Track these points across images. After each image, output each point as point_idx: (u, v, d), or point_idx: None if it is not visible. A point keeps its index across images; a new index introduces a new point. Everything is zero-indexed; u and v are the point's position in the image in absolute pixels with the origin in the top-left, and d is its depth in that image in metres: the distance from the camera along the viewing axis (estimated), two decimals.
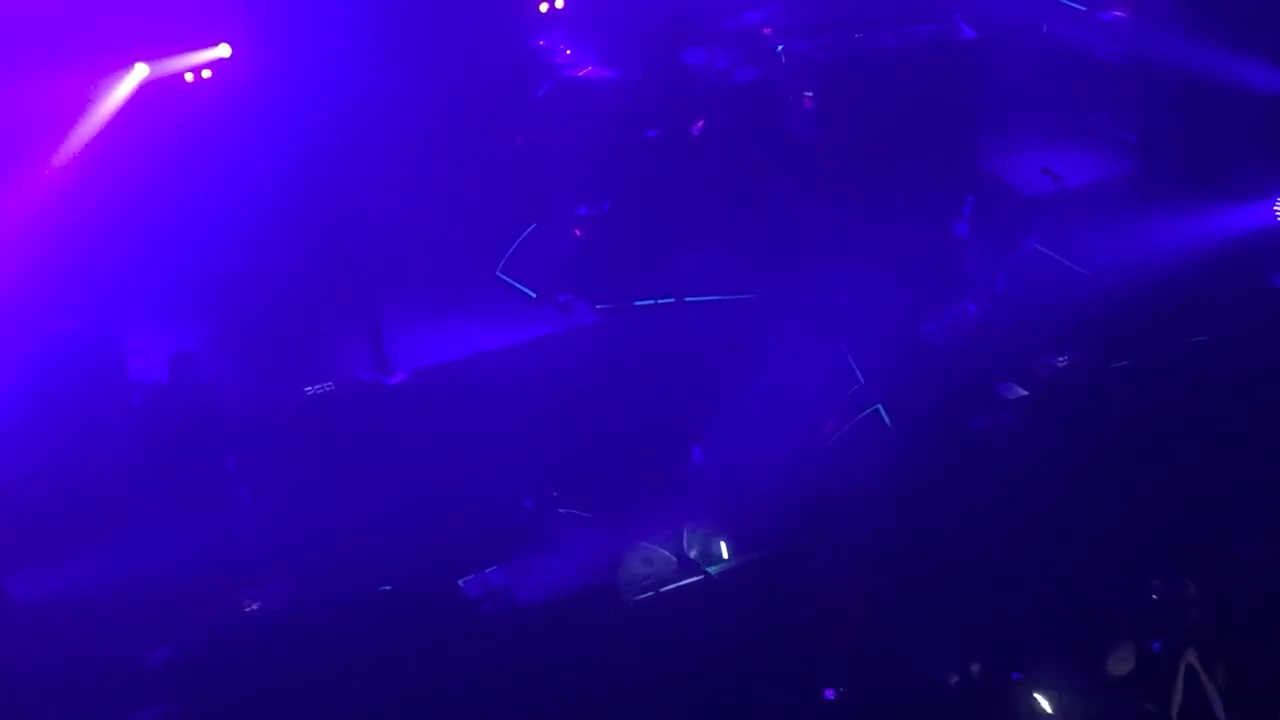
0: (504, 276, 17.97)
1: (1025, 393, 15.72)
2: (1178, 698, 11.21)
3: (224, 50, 17.05)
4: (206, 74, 17.07)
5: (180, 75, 17.03)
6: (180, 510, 14.65)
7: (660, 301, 17.70)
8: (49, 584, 13.93)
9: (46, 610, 13.73)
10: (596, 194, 18.40)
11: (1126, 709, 11.35)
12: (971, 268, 17.69)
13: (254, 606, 13.80)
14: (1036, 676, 11.61)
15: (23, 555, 14.26)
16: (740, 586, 13.61)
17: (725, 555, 14.06)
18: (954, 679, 11.81)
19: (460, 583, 13.86)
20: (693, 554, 14.01)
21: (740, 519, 14.25)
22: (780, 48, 18.72)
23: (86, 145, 16.55)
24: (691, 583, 13.76)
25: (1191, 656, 11.29)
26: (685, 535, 14.13)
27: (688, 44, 18.88)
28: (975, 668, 11.70)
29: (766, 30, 19.09)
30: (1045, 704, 11.37)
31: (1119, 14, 19.54)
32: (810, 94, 18.47)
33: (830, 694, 11.96)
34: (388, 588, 13.93)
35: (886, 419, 15.57)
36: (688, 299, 17.65)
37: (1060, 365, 16.07)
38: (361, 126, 17.59)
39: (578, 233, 18.33)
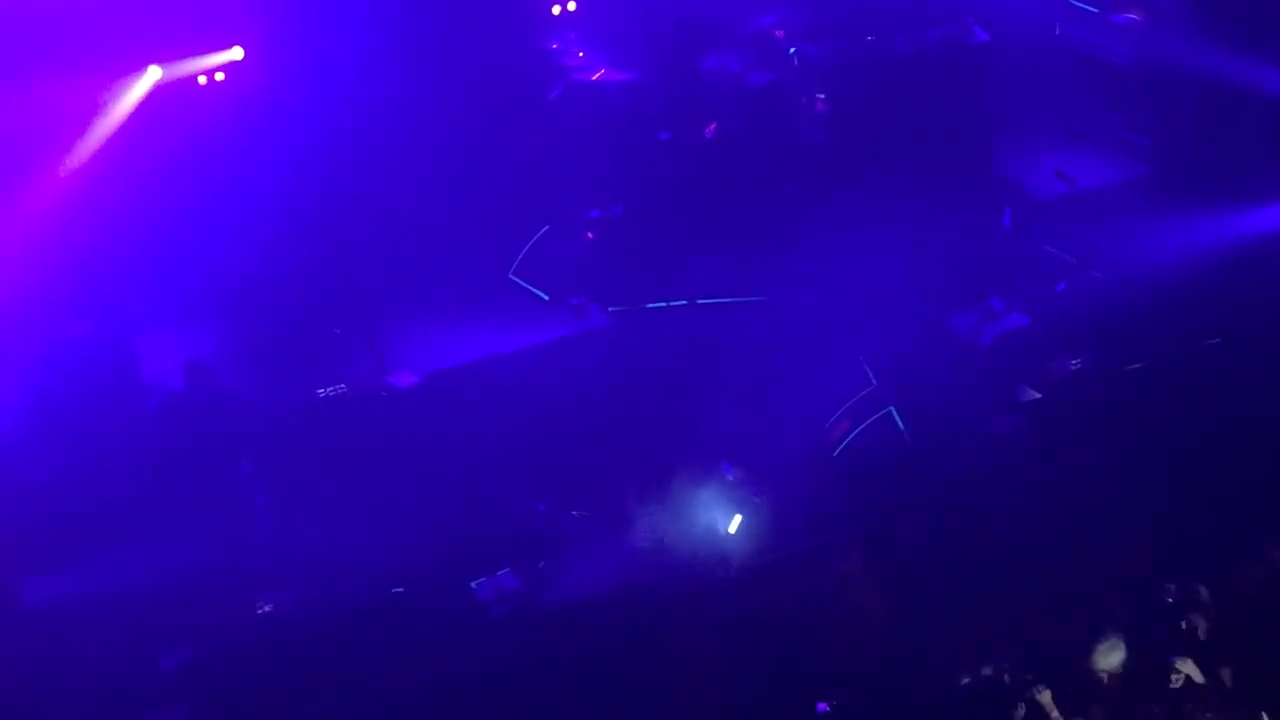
0: (517, 279, 17.98)
1: (1039, 395, 15.70)
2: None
3: (237, 53, 17.07)
4: (220, 76, 17.09)
5: (193, 78, 17.05)
6: (195, 514, 14.66)
7: (673, 304, 17.70)
8: (64, 588, 13.97)
9: (62, 614, 13.76)
10: (609, 197, 18.41)
11: (1135, 711, 11.36)
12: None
13: (266, 609, 13.81)
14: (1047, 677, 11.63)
15: (37, 559, 14.29)
16: (754, 589, 13.60)
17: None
18: (966, 679, 11.81)
19: (473, 585, 13.87)
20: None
21: (754, 520, 14.25)
22: (793, 51, 18.72)
23: (100, 148, 16.59)
24: (704, 586, 13.75)
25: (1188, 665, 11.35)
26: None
27: (700, 47, 18.88)
28: (988, 670, 11.70)
29: (779, 33, 19.10)
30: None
31: (1132, 17, 19.51)
32: (823, 97, 18.48)
33: (823, 707, 11.95)
34: (400, 590, 13.93)
35: (899, 421, 15.55)
36: (700, 301, 17.65)
37: (1074, 368, 16.04)
38: (374, 130, 17.60)
39: (590, 235, 18.34)
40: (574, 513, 14.78)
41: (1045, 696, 11.28)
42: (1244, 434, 14.40)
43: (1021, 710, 11.33)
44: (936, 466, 14.75)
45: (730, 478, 14.35)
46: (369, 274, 17.66)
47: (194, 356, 15.45)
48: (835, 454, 15.40)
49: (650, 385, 16.42)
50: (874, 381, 15.90)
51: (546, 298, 17.82)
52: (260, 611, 13.84)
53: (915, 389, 15.72)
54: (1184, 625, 11.91)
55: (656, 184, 18.35)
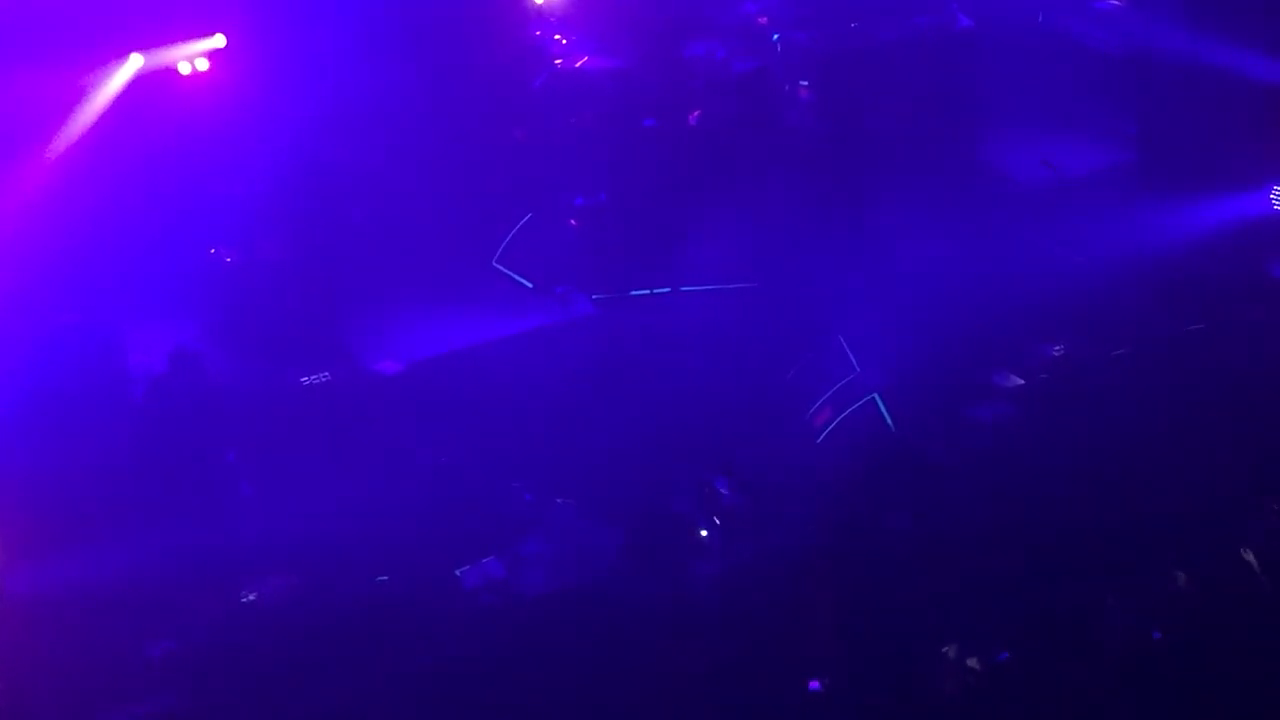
0: (501, 267, 17.97)
1: (1021, 382, 15.71)
2: None
3: (219, 40, 17.03)
4: (203, 65, 17.05)
5: (176, 67, 17.01)
6: (181, 503, 14.67)
7: (657, 291, 17.70)
8: (49, 577, 13.93)
9: (47, 603, 13.73)
10: (593, 184, 18.41)
11: (1123, 696, 11.41)
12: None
13: (251, 597, 13.81)
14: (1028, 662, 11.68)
15: (23, 548, 14.25)
16: (738, 577, 13.62)
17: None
18: (948, 665, 11.86)
19: (458, 573, 13.88)
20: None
21: (738, 509, 14.27)
22: (776, 37, 18.72)
23: (82, 138, 16.55)
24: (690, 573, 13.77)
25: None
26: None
27: (684, 34, 18.86)
28: (974, 663, 11.75)
29: (763, 20, 19.10)
30: None
31: (1116, 3, 19.51)
32: (806, 84, 18.47)
33: (816, 685, 11.99)
34: (384, 578, 13.94)
35: (883, 408, 15.56)
36: (684, 289, 17.66)
37: (1056, 354, 16.05)
38: (359, 117, 17.59)
39: (574, 223, 18.33)
40: (559, 500, 14.78)
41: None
42: (1227, 420, 14.43)
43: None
44: (920, 452, 14.76)
45: (724, 491, 14.34)
46: (353, 262, 17.64)
47: (181, 346, 15.43)
48: (818, 440, 15.42)
49: (635, 372, 16.42)
50: (857, 368, 15.92)
51: (530, 285, 17.82)
52: (245, 600, 13.83)
53: (897, 375, 15.73)
54: (1167, 609, 11.96)
55: (641, 171, 18.35)
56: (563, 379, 16.37)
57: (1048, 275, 17.16)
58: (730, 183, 18.29)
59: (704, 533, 14.07)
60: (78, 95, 16.50)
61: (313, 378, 16.13)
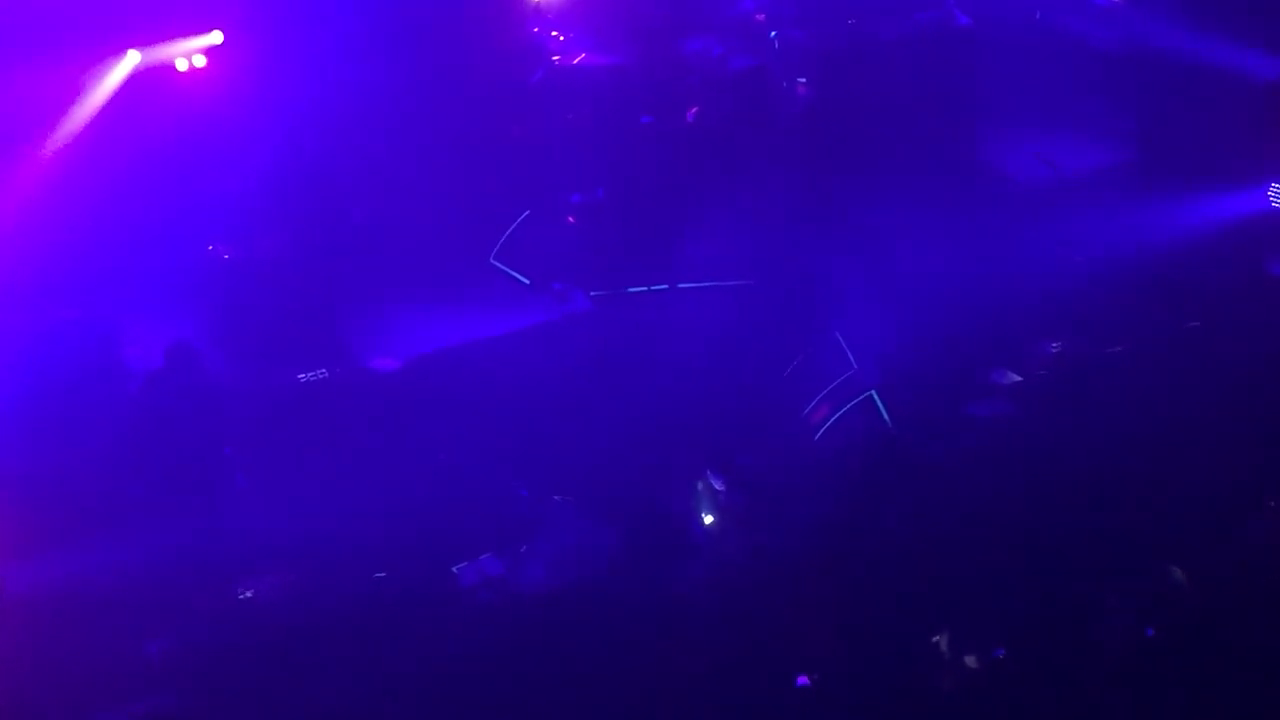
0: (498, 264, 17.96)
1: (1019, 379, 15.71)
2: None
3: (216, 37, 17.02)
4: (200, 61, 17.04)
5: (173, 64, 17.00)
6: (178, 501, 14.65)
7: (654, 288, 17.69)
8: (46, 574, 13.92)
9: (44, 600, 13.72)
10: (590, 181, 18.40)
11: (1121, 695, 11.41)
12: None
13: (248, 594, 13.80)
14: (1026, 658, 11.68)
15: (20, 545, 14.24)
16: (735, 575, 13.61)
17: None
18: (947, 663, 11.86)
19: (455, 570, 13.88)
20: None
21: (735, 507, 14.26)
22: (774, 35, 18.71)
23: (80, 134, 16.54)
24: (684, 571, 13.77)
25: None
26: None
27: (682, 31, 18.86)
28: (973, 661, 11.75)
29: (760, 17, 19.09)
30: None
31: (1115, 0, 19.51)
32: (804, 81, 18.47)
33: (804, 680, 11.99)
34: (382, 575, 13.93)
35: (880, 405, 15.57)
36: (682, 286, 17.65)
37: (1054, 351, 16.05)
38: (356, 115, 17.58)
39: (571, 220, 18.32)
40: (556, 497, 14.77)
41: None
42: (1227, 419, 14.42)
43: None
44: (917, 450, 14.76)
45: (719, 487, 14.32)
46: (351, 258, 17.64)
47: (178, 341, 15.42)
48: (815, 438, 15.42)
49: (632, 369, 16.42)
50: (854, 365, 15.92)
51: (528, 282, 17.81)
52: (242, 598, 13.82)
53: (896, 372, 15.73)
54: (1166, 608, 11.97)
55: (638, 168, 18.35)
56: (560, 376, 16.36)
57: (1047, 274, 17.17)
58: (728, 180, 18.29)
59: (704, 526, 14.09)
60: (75, 92, 16.50)
61: (310, 375, 16.11)
